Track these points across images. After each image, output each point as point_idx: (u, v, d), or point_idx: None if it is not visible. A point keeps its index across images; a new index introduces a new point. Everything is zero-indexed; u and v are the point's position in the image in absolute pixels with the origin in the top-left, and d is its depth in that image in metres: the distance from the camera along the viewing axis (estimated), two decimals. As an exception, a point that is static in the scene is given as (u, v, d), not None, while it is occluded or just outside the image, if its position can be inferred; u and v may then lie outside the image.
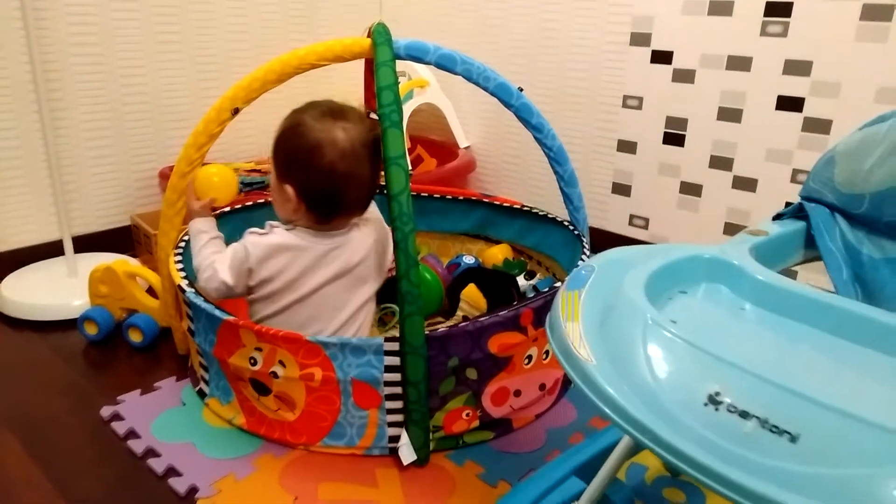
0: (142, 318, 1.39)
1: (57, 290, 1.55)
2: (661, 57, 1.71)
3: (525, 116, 1.27)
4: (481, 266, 1.57)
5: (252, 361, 1.05)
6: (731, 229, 1.69)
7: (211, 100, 1.16)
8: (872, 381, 0.56)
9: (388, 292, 1.21)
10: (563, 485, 0.89)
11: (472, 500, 0.97)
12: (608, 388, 0.51)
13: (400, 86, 2.03)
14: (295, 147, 1.07)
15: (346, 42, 1.13)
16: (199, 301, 1.10)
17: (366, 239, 1.15)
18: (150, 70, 1.85)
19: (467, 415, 1.09)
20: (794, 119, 1.53)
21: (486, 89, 1.22)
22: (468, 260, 1.57)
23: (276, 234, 1.10)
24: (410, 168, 2.08)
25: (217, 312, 1.07)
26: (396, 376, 1.02)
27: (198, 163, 1.17)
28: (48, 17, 1.63)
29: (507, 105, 1.25)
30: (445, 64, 1.18)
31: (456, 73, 1.20)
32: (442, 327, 1.06)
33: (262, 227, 1.13)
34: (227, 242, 1.15)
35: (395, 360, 1.01)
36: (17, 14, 1.55)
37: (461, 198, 1.67)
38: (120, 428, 1.12)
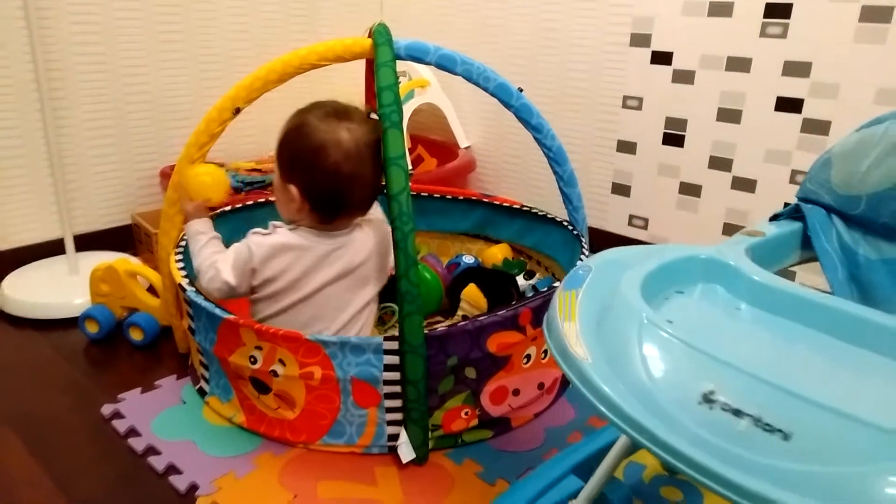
0: (142, 317, 1.40)
1: (58, 289, 1.56)
2: (661, 58, 1.71)
3: (525, 117, 1.27)
4: (481, 266, 1.57)
5: (252, 360, 1.06)
6: (730, 230, 1.70)
7: (212, 99, 1.16)
8: (866, 380, 0.56)
9: (387, 291, 1.22)
10: (561, 483, 0.89)
11: (471, 498, 0.98)
12: (604, 386, 0.51)
13: (401, 86, 2.04)
14: (299, 147, 1.07)
15: (347, 42, 1.13)
16: (199, 300, 1.11)
17: (368, 239, 1.15)
18: (152, 69, 1.85)
19: (466, 413, 1.09)
20: (793, 120, 1.53)
21: (485, 90, 1.23)
22: (468, 260, 1.58)
23: (279, 234, 1.10)
24: (411, 168, 2.09)
25: (217, 311, 1.07)
26: (396, 375, 1.03)
27: (199, 162, 1.17)
28: (51, 17, 1.64)
29: (507, 105, 1.26)
30: (445, 64, 1.19)
31: (456, 74, 1.20)
32: (441, 326, 1.06)
33: (262, 226, 1.13)
34: (228, 242, 1.15)
35: (395, 359, 1.02)
36: (20, 13, 1.56)
37: (461, 198, 1.67)
38: (121, 426, 1.13)
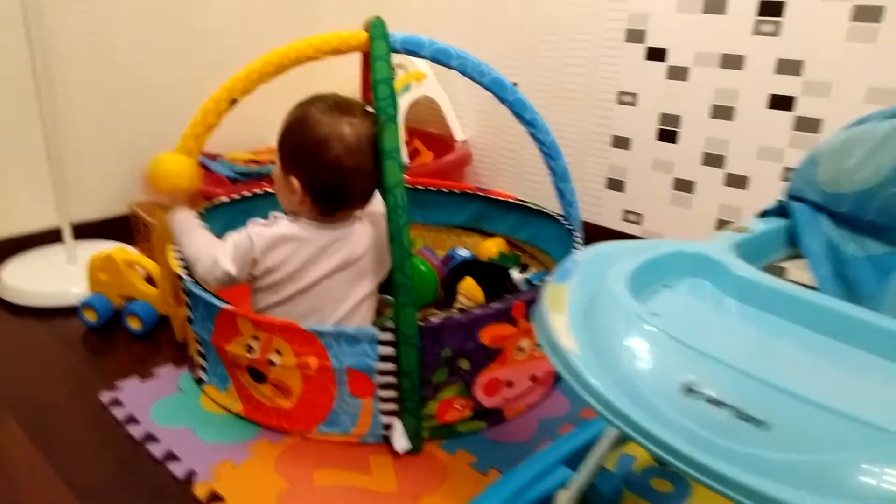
0: (140, 306, 1.41)
1: (56, 278, 1.57)
2: (656, 54, 1.73)
3: (519, 111, 1.28)
4: (476, 259, 1.59)
5: (249, 349, 1.07)
6: (723, 226, 1.72)
7: (210, 89, 1.17)
8: (847, 374, 0.58)
9: (383, 283, 1.24)
10: (552, 473, 0.91)
11: (464, 487, 1.00)
12: (591, 378, 0.53)
13: (397, 79, 2.06)
14: (302, 140, 1.08)
15: (344, 35, 1.15)
16: (197, 290, 1.12)
17: (369, 232, 1.17)
18: (150, 59, 1.86)
19: (460, 405, 1.11)
20: (785, 118, 1.55)
21: (480, 84, 1.24)
22: (463, 253, 1.60)
23: (280, 226, 1.12)
24: (407, 161, 2.10)
25: (215, 301, 1.09)
26: (390, 366, 1.05)
27: (196, 153, 1.18)
28: (47, 5, 1.64)
29: (502, 100, 1.27)
30: (440, 58, 1.20)
31: (451, 68, 1.21)
32: (435, 318, 1.08)
33: (260, 217, 1.14)
34: (224, 234, 1.16)
35: (390, 350, 1.04)
36: (17, 1, 1.56)
37: (457, 191, 1.69)
38: (119, 413, 1.15)
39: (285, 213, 1.15)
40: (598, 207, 1.96)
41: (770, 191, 1.61)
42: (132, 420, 1.13)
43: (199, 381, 1.22)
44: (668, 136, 1.77)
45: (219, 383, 1.18)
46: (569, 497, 0.83)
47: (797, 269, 1.19)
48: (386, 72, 1.08)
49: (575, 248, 1.30)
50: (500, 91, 1.26)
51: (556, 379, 1.25)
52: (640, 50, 1.75)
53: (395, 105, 1.06)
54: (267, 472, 1.02)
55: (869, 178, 0.79)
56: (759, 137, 1.61)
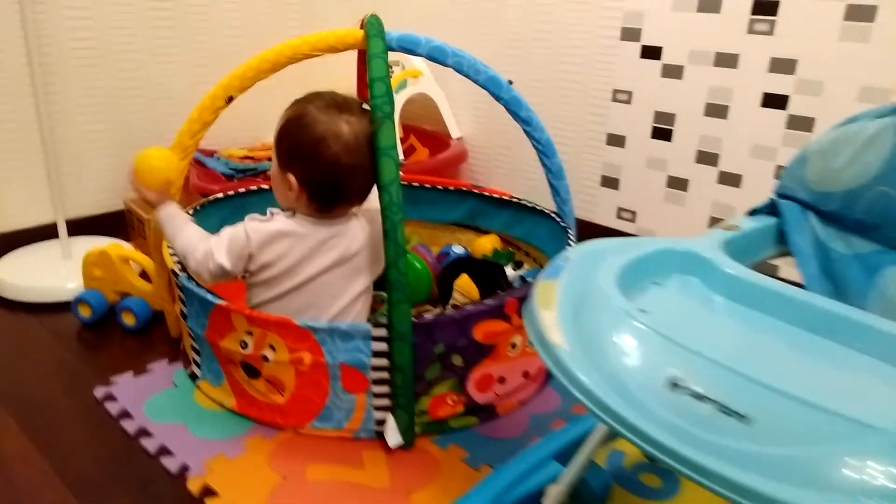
0: (135, 302, 1.42)
1: (51, 273, 1.57)
2: (651, 52, 1.73)
3: (514, 109, 1.29)
4: (470, 256, 1.59)
5: (243, 345, 1.08)
6: (716, 223, 1.71)
7: (205, 86, 1.17)
8: (830, 369, 0.59)
9: (377, 280, 1.24)
10: (543, 468, 0.92)
11: (456, 482, 1.00)
12: (578, 372, 0.54)
13: (394, 76, 2.06)
14: (300, 138, 1.09)
15: (340, 33, 1.15)
16: (191, 285, 1.13)
17: (365, 228, 1.17)
18: (145, 55, 1.86)
19: (452, 400, 1.12)
20: (778, 116, 1.56)
21: (476, 82, 1.25)
22: (457, 250, 1.60)
23: (276, 222, 1.12)
24: (403, 157, 2.11)
25: (209, 297, 1.10)
26: (384, 361, 1.05)
27: (192, 150, 1.19)
28: (44, 2, 1.64)
29: (497, 98, 1.27)
30: (436, 56, 1.20)
31: (447, 66, 1.22)
32: (429, 315, 1.09)
33: (256, 213, 1.15)
34: (216, 230, 1.16)
35: (383, 346, 1.04)
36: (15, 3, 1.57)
37: (452, 188, 1.69)
38: (113, 408, 1.15)
39: (282, 209, 1.15)
40: (592, 205, 1.97)
41: (763, 189, 1.62)
42: (126, 415, 1.14)
43: (193, 377, 1.23)
44: (662, 133, 1.77)
45: (213, 378, 1.18)
46: (559, 491, 0.84)
47: (789, 267, 1.20)
48: (382, 70, 1.08)
49: (568, 245, 1.31)
50: (495, 89, 1.26)
51: (548, 375, 1.26)
52: (635, 48, 1.76)
53: (391, 103, 1.07)
54: (260, 466, 1.03)
55: (856, 177, 0.80)
56: (752, 136, 1.62)
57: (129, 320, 1.42)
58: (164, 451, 1.05)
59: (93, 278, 1.46)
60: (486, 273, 1.44)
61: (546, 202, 1.50)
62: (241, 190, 1.56)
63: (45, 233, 1.71)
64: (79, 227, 1.75)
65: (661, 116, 1.76)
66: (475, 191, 1.67)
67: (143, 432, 1.09)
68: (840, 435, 0.45)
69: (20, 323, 1.45)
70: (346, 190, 1.12)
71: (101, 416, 1.14)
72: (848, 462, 0.44)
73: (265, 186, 1.56)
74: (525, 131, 1.32)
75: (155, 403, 1.17)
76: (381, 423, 1.09)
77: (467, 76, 1.24)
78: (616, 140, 1.87)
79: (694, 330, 0.61)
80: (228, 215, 1.41)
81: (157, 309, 1.42)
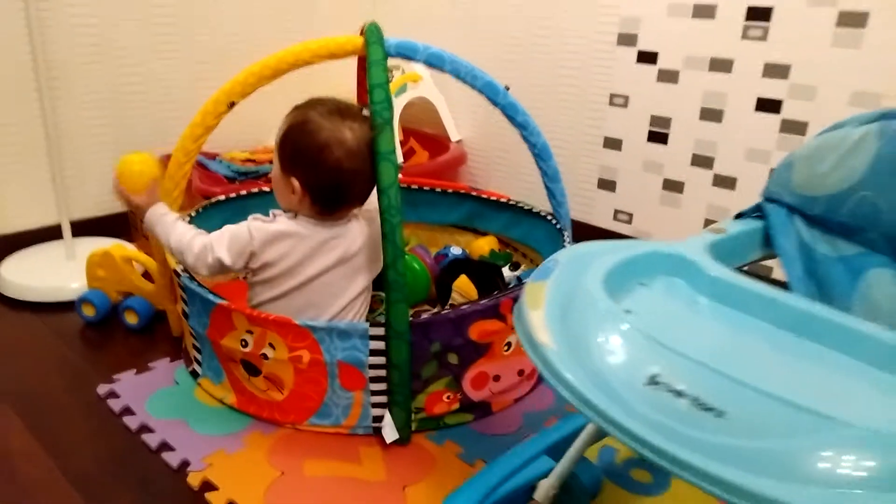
0: (137, 301, 1.44)
1: (55, 273, 1.60)
2: (647, 57, 1.76)
3: (511, 114, 1.31)
4: (468, 257, 1.62)
5: (243, 343, 1.10)
6: (711, 225, 1.74)
7: (207, 90, 1.19)
8: (805, 368, 0.61)
9: (375, 280, 1.26)
10: (534, 463, 0.94)
11: (450, 477, 1.03)
12: (563, 370, 0.56)
13: (394, 80, 2.08)
14: (304, 144, 1.11)
15: (340, 40, 1.17)
16: (193, 285, 1.15)
17: (364, 229, 1.20)
18: (148, 58, 1.89)
19: (448, 397, 1.14)
20: (772, 120, 1.58)
21: (473, 87, 1.27)
22: (455, 251, 1.62)
23: (279, 223, 1.14)
24: (403, 160, 2.13)
25: (211, 297, 1.12)
26: (381, 360, 1.08)
27: (194, 153, 1.21)
28: (49, 5, 1.67)
29: (494, 103, 1.30)
30: (434, 63, 1.23)
31: (444, 72, 1.24)
32: (426, 314, 1.11)
33: (259, 214, 1.17)
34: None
35: (380, 345, 1.07)
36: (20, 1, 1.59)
37: (450, 191, 1.72)
38: (115, 405, 1.18)
39: (283, 211, 1.18)
40: (589, 207, 1.99)
41: (757, 191, 1.60)
42: (128, 411, 1.16)
43: (194, 374, 1.25)
44: (658, 137, 1.80)
45: (213, 376, 1.21)
46: (550, 486, 0.86)
47: (779, 268, 1.22)
48: (381, 76, 1.11)
49: (564, 246, 1.33)
50: (492, 94, 1.28)
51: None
52: (631, 53, 1.79)
53: (390, 109, 1.09)
54: (259, 462, 1.05)
55: (841, 181, 0.82)
56: (746, 139, 1.64)
57: (131, 319, 1.44)
58: (165, 446, 1.08)
59: (96, 278, 1.49)
60: (484, 274, 1.46)
61: (544, 204, 1.52)
62: (243, 192, 1.59)
63: (50, 234, 1.73)
64: (83, 228, 1.77)
65: (657, 120, 1.79)
66: (473, 193, 1.69)
67: (145, 428, 1.12)
68: (810, 429, 0.48)
69: (25, 322, 1.48)
70: (348, 193, 1.15)
71: (104, 413, 1.17)
72: (817, 455, 0.46)
73: (266, 189, 1.59)
74: (521, 135, 1.34)
75: (156, 400, 1.19)
76: (378, 419, 1.11)
77: (464, 81, 1.26)
78: (613, 143, 1.89)
79: (677, 330, 0.64)
80: (230, 217, 1.43)
81: (159, 308, 1.44)
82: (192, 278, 1.17)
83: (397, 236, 1.05)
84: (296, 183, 1.12)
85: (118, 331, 1.45)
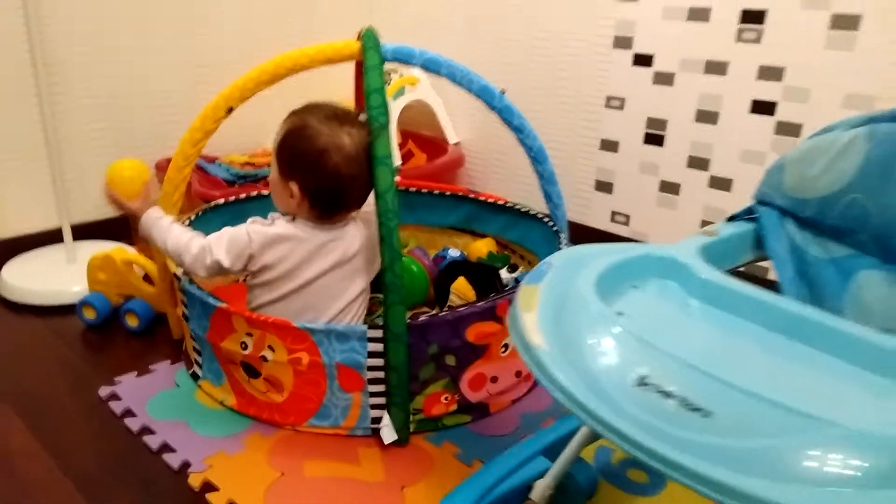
0: (138, 304, 1.45)
1: (57, 277, 1.61)
2: (643, 60, 1.77)
3: (507, 117, 1.33)
4: (466, 259, 1.63)
5: (243, 346, 1.12)
6: (707, 226, 1.76)
7: (206, 94, 1.21)
8: (793, 369, 0.62)
9: (376, 282, 1.28)
10: (531, 463, 0.95)
11: (448, 477, 1.04)
12: (555, 371, 0.57)
13: (392, 83, 2.10)
14: (302, 149, 1.12)
15: (337, 45, 1.19)
16: (193, 289, 1.16)
17: (361, 231, 1.21)
18: (149, 63, 1.90)
19: (446, 399, 1.15)
20: (767, 122, 1.60)
21: (469, 91, 1.28)
22: (453, 253, 1.64)
23: (278, 226, 1.15)
24: (401, 162, 2.14)
25: (211, 300, 1.13)
26: (379, 361, 1.09)
27: (194, 158, 1.22)
28: (48, 6, 1.68)
29: (490, 107, 1.31)
30: (430, 67, 1.24)
31: (441, 76, 1.26)
32: (424, 317, 1.12)
33: (257, 217, 1.18)
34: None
35: (378, 347, 1.08)
36: (18, 2, 1.60)
37: (448, 193, 1.73)
38: (117, 407, 1.19)
39: (282, 214, 1.19)
40: (587, 209, 2.00)
41: (752, 193, 1.65)
42: (129, 413, 1.17)
43: (195, 377, 1.27)
44: (654, 139, 1.81)
45: (213, 378, 1.22)
46: (546, 486, 0.88)
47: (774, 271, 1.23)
48: (378, 82, 1.12)
49: (560, 248, 1.34)
50: (488, 98, 1.30)
51: (541, 375, 1.29)
52: (627, 56, 1.80)
53: (386, 114, 1.11)
54: (259, 463, 1.06)
55: (831, 184, 0.84)
56: (741, 141, 1.65)
57: (132, 322, 1.45)
58: (166, 448, 1.09)
59: (97, 282, 1.50)
60: (482, 276, 1.47)
61: (541, 206, 1.54)
62: (242, 196, 1.60)
63: (51, 237, 1.74)
64: (83, 231, 1.78)
65: (653, 122, 1.80)
66: (471, 196, 1.71)
67: (146, 430, 1.13)
68: (794, 429, 0.49)
69: (26, 325, 1.49)
70: (346, 198, 1.16)
71: (106, 415, 1.18)
72: (804, 454, 0.47)
73: (265, 192, 1.60)
74: (518, 139, 1.36)
75: (157, 402, 1.20)
76: (377, 420, 1.12)
77: (461, 85, 1.27)
78: (610, 145, 1.91)
79: (667, 332, 0.65)
80: (230, 221, 1.43)
81: (159, 311, 1.45)
82: (192, 282, 1.19)
83: (394, 240, 1.07)
84: (294, 187, 1.13)
85: (119, 333, 1.46)
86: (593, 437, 0.92)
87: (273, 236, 1.14)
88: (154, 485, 1.02)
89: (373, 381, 1.11)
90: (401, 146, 2.25)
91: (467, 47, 2.12)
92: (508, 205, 1.64)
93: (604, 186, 1.95)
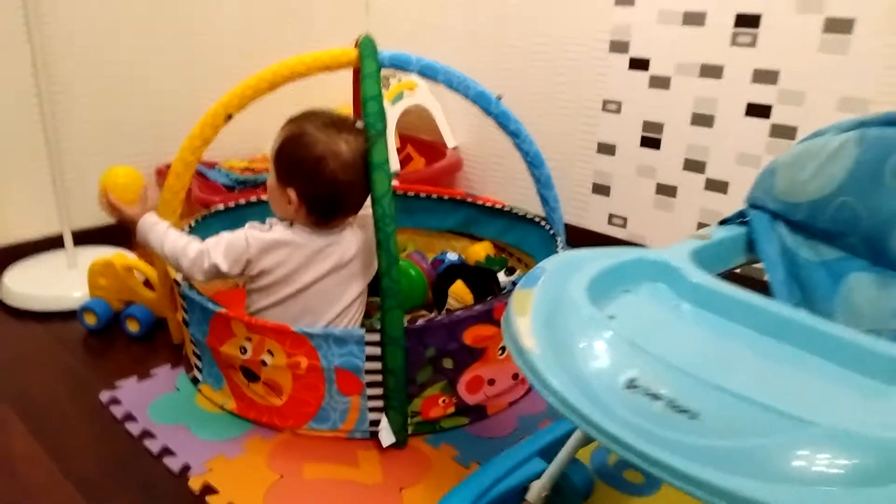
0: (139, 309, 1.46)
1: (58, 282, 1.62)
2: (639, 64, 1.78)
3: (503, 123, 1.34)
4: (464, 262, 1.64)
5: (242, 350, 1.13)
6: (703, 229, 1.77)
7: (209, 100, 1.21)
8: (782, 371, 0.63)
9: (374, 286, 1.29)
10: (527, 464, 0.96)
11: (446, 479, 1.05)
12: (547, 374, 0.58)
13: (390, 87, 2.11)
14: (300, 156, 1.14)
15: (335, 53, 1.20)
16: (193, 294, 1.17)
17: (358, 235, 1.22)
18: (151, 68, 1.91)
19: (443, 401, 1.16)
20: (762, 125, 1.61)
21: (466, 97, 1.29)
22: (451, 256, 1.65)
23: (275, 231, 1.17)
24: (400, 166, 2.16)
25: (210, 305, 1.14)
26: (377, 365, 1.10)
27: (193, 164, 1.23)
28: (49, 12, 1.69)
29: (487, 112, 1.32)
30: (427, 73, 1.25)
31: (438, 82, 1.27)
32: (421, 320, 1.13)
33: (255, 222, 1.19)
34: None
35: (376, 350, 1.09)
36: (20, 9, 1.61)
37: (447, 197, 1.74)
38: (118, 411, 1.20)
39: (279, 220, 1.20)
40: (584, 211, 2.01)
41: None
42: (130, 418, 1.18)
43: (195, 381, 1.28)
44: (651, 142, 1.82)
45: (213, 382, 1.23)
46: (542, 487, 0.89)
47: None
48: (375, 89, 1.13)
49: (557, 251, 1.35)
50: (484, 104, 1.31)
51: (538, 378, 1.30)
52: (623, 60, 1.81)
53: (383, 120, 1.12)
54: (259, 466, 1.07)
55: (821, 188, 0.85)
56: (737, 144, 1.66)
57: (133, 327, 1.47)
58: (166, 451, 1.10)
59: (98, 287, 1.51)
60: (480, 279, 1.48)
61: (538, 209, 1.55)
62: (242, 202, 1.61)
63: (52, 243, 1.75)
64: (84, 237, 1.79)
65: (649, 126, 1.81)
66: (469, 200, 1.72)
67: (147, 434, 1.14)
68: (775, 429, 0.50)
69: (28, 331, 1.50)
70: (344, 204, 1.17)
71: (107, 419, 1.19)
72: (791, 453, 0.49)
73: (264, 197, 1.61)
74: (514, 143, 1.37)
75: (158, 406, 1.21)
76: (375, 423, 1.13)
77: (457, 91, 1.28)
78: (606, 149, 1.92)
79: (658, 335, 0.66)
80: (229, 227, 1.44)
81: (160, 316, 1.46)
82: (192, 287, 1.20)
83: (391, 245, 1.08)
84: (292, 194, 1.14)
85: (120, 338, 1.47)
86: (589, 438, 0.93)
87: (271, 241, 1.15)
88: (154, 488, 1.04)
89: (371, 385, 1.12)
90: (399, 150, 2.26)
91: (466, 53, 2.13)
92: (506, 208, 1.65)
93: (601, 189, 1.97)
